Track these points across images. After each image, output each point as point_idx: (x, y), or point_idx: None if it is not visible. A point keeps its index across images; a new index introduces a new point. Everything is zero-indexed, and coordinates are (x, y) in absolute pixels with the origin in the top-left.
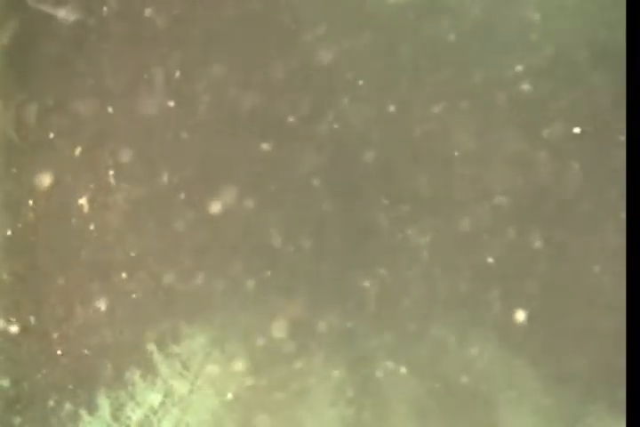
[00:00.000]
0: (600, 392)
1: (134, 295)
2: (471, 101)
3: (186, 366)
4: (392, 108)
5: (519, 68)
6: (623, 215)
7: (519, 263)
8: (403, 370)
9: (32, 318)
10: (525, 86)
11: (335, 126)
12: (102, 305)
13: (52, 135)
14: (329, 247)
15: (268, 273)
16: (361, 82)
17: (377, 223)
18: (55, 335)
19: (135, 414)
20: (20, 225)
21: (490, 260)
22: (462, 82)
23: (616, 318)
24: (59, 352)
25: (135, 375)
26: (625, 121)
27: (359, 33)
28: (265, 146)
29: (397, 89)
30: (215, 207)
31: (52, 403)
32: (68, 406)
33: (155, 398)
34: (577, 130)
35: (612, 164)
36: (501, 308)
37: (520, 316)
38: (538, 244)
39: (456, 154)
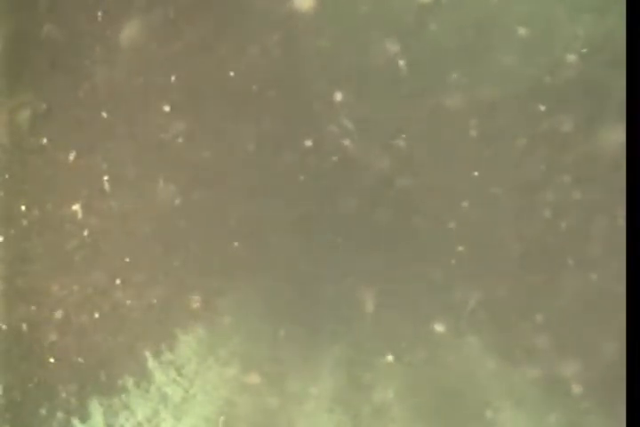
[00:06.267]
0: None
1: (128, 302)
2: None
3: (180, 373)
4: None
5: None
6: None
7: None
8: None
9: (24, 325)
10: None
11: None
12: (96, 312)
13: (45, 141)
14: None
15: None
16: None
17: None
18: (47, 343)
19: (129, 423)
20: (12, 231)
21: None
22: None
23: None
24: (51, 360)
25: (129, 383)
26: None
27: None
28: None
29: None
30: None
31: (43, 411)
32: (60, 414)
33: (148, 406)
34: None
35: None
36: None
37: None
38: None
39: None
